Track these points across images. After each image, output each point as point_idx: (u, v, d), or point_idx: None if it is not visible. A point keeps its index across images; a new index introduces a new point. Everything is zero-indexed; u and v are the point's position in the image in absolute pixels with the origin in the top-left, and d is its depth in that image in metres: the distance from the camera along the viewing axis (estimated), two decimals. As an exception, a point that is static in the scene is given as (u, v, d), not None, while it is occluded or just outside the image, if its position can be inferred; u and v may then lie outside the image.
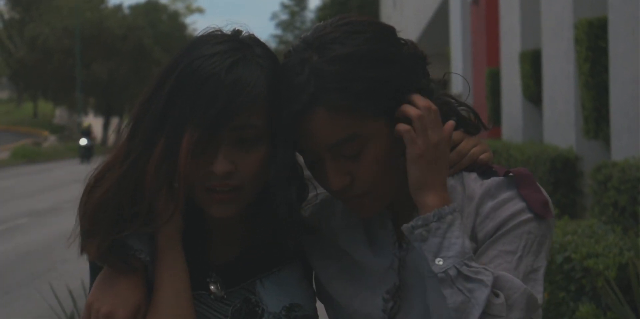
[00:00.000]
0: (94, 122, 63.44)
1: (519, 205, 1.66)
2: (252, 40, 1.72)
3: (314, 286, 1.86)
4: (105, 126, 59.07)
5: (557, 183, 9.64)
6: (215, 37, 1.70)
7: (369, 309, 1.74)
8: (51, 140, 52.32)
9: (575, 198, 9.69)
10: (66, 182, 25.76)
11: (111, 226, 1.65)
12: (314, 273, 1.85)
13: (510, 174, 1.68)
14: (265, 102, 1.64)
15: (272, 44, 74.99)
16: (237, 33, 1.73)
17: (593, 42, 8.63)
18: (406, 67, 1.66)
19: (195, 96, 1.62)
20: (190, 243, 1.74)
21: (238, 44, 1.69)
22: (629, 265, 4.92)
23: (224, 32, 1.73)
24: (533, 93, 12.07)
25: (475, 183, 1.70)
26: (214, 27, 1.74)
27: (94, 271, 1.73)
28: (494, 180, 1.69)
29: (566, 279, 5.34)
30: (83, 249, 1.68)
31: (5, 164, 36.03)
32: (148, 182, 1.64)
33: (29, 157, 38.82)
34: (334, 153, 1.64)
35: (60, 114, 66.09)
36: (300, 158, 1.71)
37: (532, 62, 11.94)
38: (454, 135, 1.72)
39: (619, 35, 7.72)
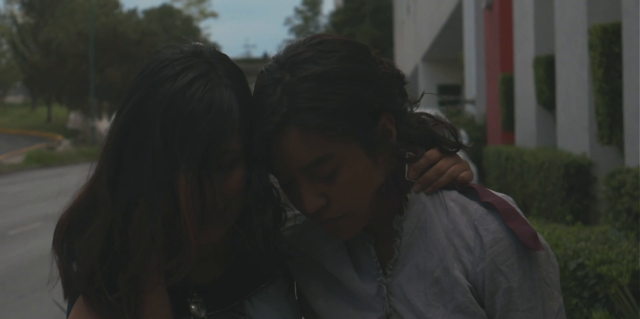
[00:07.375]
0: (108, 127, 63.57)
1: (512, 248, 1.61)
2: (214, 57, 1.64)
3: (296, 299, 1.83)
4: (119, 130, 59.22)
5: (570, 189, 9.63)
6: (176, 61, 1.62)
7: None
8: (65, 144, 52.35)
9: (589, 204, 9.67)
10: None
11: (103, 289, 1.60)
12: (297, 288, 1.82)
13: (489, 200, 1.64)
14: (240, 124, 1.58)
15: (285, 49, 75.18)
16: (197, 50, 1.65)
17: (607, 47, 8.61)
18: (380, 86, 1.62)
19: (183, 135, 1.55)
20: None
21: (204, 67, 1.60)
22: (643, 271, 4.91)
23: (182, 49, 1.65)
24: (547, 98, 12.05)
25: (455, 205, 1.67)
26: (171, 45, 1.67)
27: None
28: (478, 209, 1.65)
29: (579, 286, 5.32)
30: (66, 296, 1.64)
31: (20, 168, 36.10)
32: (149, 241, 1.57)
33: (43, 161, 38.84)
34: (308, 175, 1.59)
35: (74, 118, 66.22)
36: (276, 180, 1.66)
37: (546, 68, 11.93)
38: (431, 153, 1.70)
39: (633, 40, 7.70)
